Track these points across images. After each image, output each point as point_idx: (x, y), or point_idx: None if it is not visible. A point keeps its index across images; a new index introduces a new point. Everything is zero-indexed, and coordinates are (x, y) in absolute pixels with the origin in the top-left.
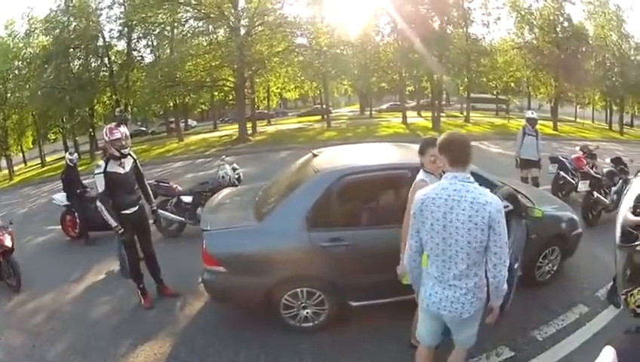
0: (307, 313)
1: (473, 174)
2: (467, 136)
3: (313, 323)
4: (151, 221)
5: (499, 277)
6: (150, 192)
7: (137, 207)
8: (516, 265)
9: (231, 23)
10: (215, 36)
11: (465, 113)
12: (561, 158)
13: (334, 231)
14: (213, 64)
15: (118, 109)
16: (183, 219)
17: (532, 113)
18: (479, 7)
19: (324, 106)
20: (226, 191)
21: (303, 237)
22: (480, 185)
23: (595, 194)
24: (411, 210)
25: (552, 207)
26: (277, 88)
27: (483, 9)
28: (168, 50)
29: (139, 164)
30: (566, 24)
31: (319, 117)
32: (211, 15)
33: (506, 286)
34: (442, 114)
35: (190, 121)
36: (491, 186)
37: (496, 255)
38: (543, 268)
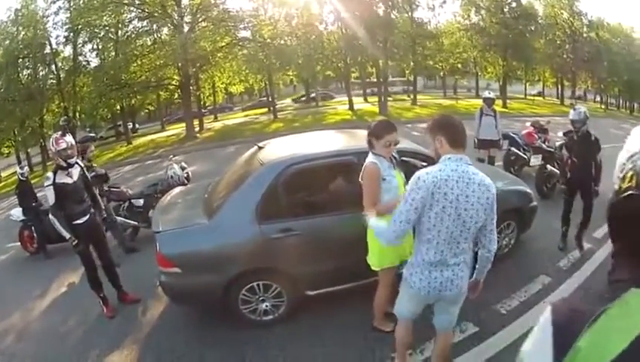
0: (266, 306)
1: (418, 155)
2: (458, 119)
3: (274, 316)
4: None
5: (492, 252)
6: (100, 200)
7: (88, 216)
8: None
9: (174, 20)
10: (159, 35)
11: (412, 96)
12: (511, 135)
13: (284, 221)
14: (157, 63)
15: (62, 118)
16: (137, 223)
17: (489, 93)
18: None
19: (269, 98)
20: (175, 190)
21: (254, 231)
22: (429, 164)
23: (549, 167)
24: (415, 190)
25: (504, 182)
26: (222, 83)
27: None
28: (113, 53)
29: (86, 172)
30: (514, 4)
31: (265, 109)
32: (155, 14)
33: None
34: (389, 98)
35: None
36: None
37: (492, 231)
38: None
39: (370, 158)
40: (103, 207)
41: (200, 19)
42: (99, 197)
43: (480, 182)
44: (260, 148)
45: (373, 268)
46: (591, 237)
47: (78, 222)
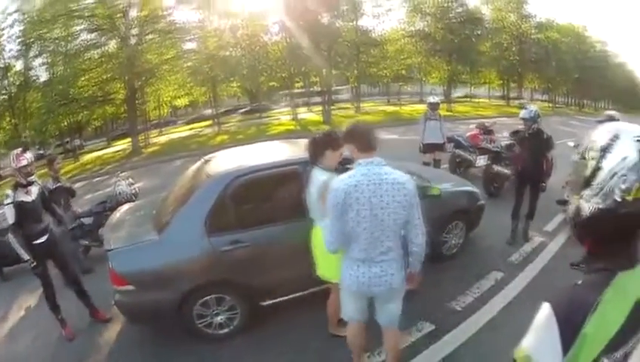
0: (221, 319)
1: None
2: (369, 124)
3: (229, 329)
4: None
5: (421, 245)
6: (62, 215)
7: (47, 235)
8: None
9: (122, 33)
10: (106, 48)
11: (355, 104)
12: (456, 137)
13: (234, 233)
14: (104, 77)
15: (24, 134)
16: (87, 242)
17: (434, 98)
18: (370, 0)
19: (214, 111)
20: (124, 207)
21: (204, 244)
22: None
23: (496, 167)
24: (330, 200)
25: (450, 184)
26: (167, 97)
27: (374, 1)
28: (62, 67)
29: (45, 190)
30: (460, 10)
31: (210, 121)
32: (104, 26)
33: (423, 256)
34: (333, 107)
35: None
36: None
37: (417, 226)
38: (449, 243)
39: (322, 176)
40: (66, 221)
41: (147, 32)
42: (61, 211)
43: (393, 181)
44: (207, 161)
45: (323, 277)
46: (542, 231)
47: (38, 241)
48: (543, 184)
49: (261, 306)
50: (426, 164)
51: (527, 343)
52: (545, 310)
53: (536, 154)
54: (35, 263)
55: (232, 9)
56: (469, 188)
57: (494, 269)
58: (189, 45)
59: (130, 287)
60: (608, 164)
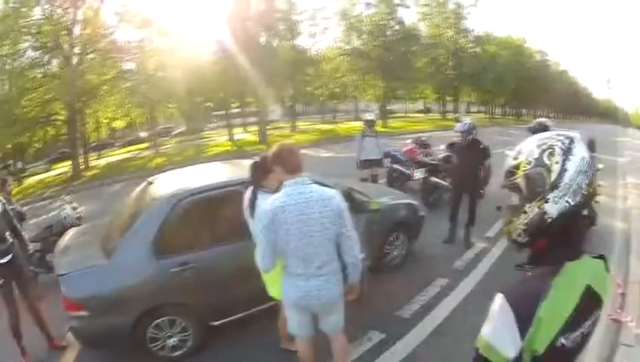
0: (174, 342)
1: None
2: (294, 145)
3: (182, 351)
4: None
5: (356, 256)
6: (24, 236)
7: (11, 256)
8: (362, 256)
9: (65, 51)
10: (49, 67)
11: (291, 123)
12: (392, 152)
13: (181, 255)
14: (46, 97)
15: None
16: (34, 268)
17: (370, 115)
18: (307, 19)
19: (150, 132)
20: (71, 232)
21: (152, 267)
22: None
23: (433, 179)
24: (261, 221)
25: (389, 197)
26: (106, 118)
27: (311, 21)
28: (7, 86)
29: (7, 208)
30: (397, 27)
31: (146, 144)
32: (48, 44)
33: (361, 265)
34: (268, 126)
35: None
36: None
37: (350, 238)
38: (392, 254)
39: (263, 198)
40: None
41: (89, 51)
42: (22, 232)
43: (318, 198)
44: (150, 183)
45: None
46: (484, 237)
47: (1, 262)
48: (481, 191)
49: (213, 326)
50: (363, 180)
51: (487, 332)
52: (499, 300)
53: (473, 164)
54: (1, 281)
55: (170, 28)
56: (408, 200)
57: (439, 276)
58: (129, 65)
59: (84, 313)
60: (573, 165)
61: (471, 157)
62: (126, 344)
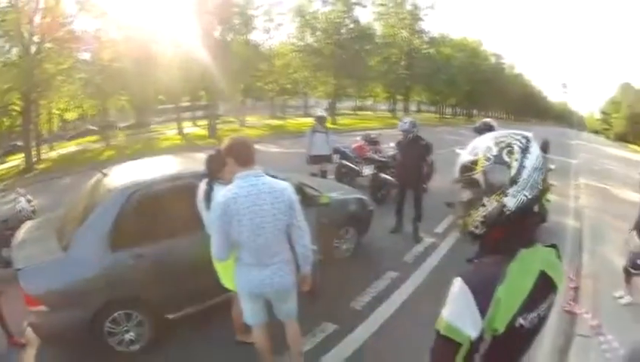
0: (131, 336)
1: None
2: (248, 137)
3: (140, 345)
4: None
5: (306, 245)
6: None
7: None
8: (314, 247)
9: (25, 40)
10: (9, 56)
11: (241, 118)
12: (342, 149)
13: (137, 247)
14: (5, 87)
15: None
16: None
17: (322, 112)
18: (262, 15)
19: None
20: (27, 225)
21: (108, 260)
22: None
23: (382, 175)
24: (215, 211)
25: (338, 193)
26: (58, 110)
27: (266, 16)
28: None
29: None
30: (352, 26)
31: (97, 137)
32: (11, 32)
33: (312, 255)
34: (217, 121)
35: None
36: None
37: (300, 228)
38: (342, 247)
39: (219, 190)
40: None
41: (48, 40)
42: None
43: (270, 190)
44: (105, 175)
45: (228, 288)
46: (433, 233)
47: None
48: (424, 186)
49: (169, 320)
50: (313, 175)
51: (447, 314)
52: (457, 283)
53: (416, 160)
54: None
55: (127, 19)
56: (357, 195)
57: (389, 270)
58: (84, 55)
59: (43, 308)
60: (530, 162)
61: (413, 154)
62: (83, 338)
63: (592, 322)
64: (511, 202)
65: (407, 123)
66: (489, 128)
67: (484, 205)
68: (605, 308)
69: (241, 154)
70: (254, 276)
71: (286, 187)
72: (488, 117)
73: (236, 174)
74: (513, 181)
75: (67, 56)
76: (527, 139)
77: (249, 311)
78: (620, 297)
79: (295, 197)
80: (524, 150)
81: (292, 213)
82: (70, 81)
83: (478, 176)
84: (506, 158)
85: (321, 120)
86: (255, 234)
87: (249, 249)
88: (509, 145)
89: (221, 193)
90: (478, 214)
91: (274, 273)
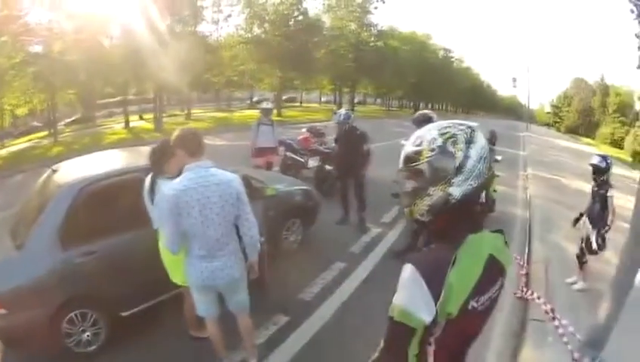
0: (87, 336)
1: None
2: (196, 129)
3: (97, 345)
4: None
5: (254, 236)
6: None
7: None
8: (262, 239)
9: None
10: None
11: (186, 111)
12: (287, 141)
13: (88, 244)
14: None
15: None
16: None
17: (267, 104)
18: (211, 5)
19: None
20: None
21: (59, 258)
22: None
23: (327, 167)
24: (165, 204)
25: (283, 184)
26: (9, 105)
27: (215, 7)
28: None
29: None
30: (300, 17)
31: (44, 133)
32: None
33: (259, 245)
34: (163, 114)
35: None
36: None
37: (248, 220)
38: (289, 239)
39: (164, 184)
40: None
41: (2, 33)
42: None
43: (219, 182)
44: (55, 171)
45: (178, 283)
46: (380, 223)
47: None
48: (362, 173)
49: (123, 317)
50: (258, 167)
51: (400, 299)
52: (408, 269)
53: (353, 149)
54: None
55: (77, 10)
56: (303, 187)
57: (337, 260)
58: (36, 48)
59: (2, 310)
60: (475, 152)
61: (350, 144)
62: (44, 341)
63: (546, 307)
64: (456, 191)
65: (342, 115)
66: (428, 120)
67: (429, 194)
68: (558, 294)
69: (191, 145)
70: (205, 268)
71: (233, 178)
72: (436, 110)
73: (185, 165)
74: (458, 171)
75: (19, 50)
76: (472, 130)
77: (202, 304)
78: (574, 283)
79: (242, 189)
80: (469, 140)
81: (240, 205)
82: (22, 75)
83: (422, 166)
84: (451, 148)
85: (266, 112)
86: (205, 225)
87: (199, 241)
88: (453, 135)
89: (169, 185)
90: (424, 203)
91: (224, 264)
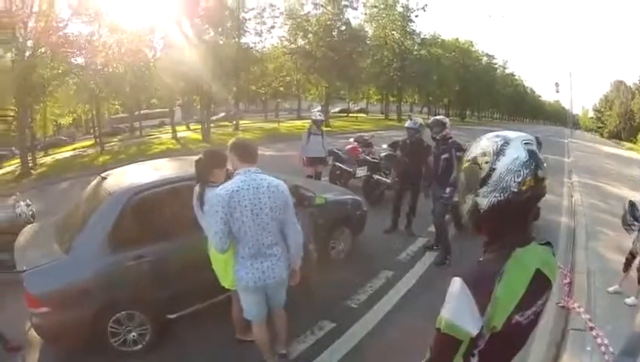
0: (133, 336)
1: None
2: (250, 139)
3: (142, 345)
4: None
5: (299, 241)
6: None
7: None
8: (311, 246)
9: (19, 45)
10: (3, 61)
11: (235, 122)
12: (335, 151)
13: (137, 249)
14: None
15: None
16: None
17: (319, 115)
18: (254, 17)
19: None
20: (27, 229)
21: (109, 261)
22: None
23: (375, 176)
24: (214, 205)
25: (332, 194)
26: (53, 115)
27: (258, 18)
28: None
29: None
30: (344, 28)
31: (92, 142)
32: (3, 37)
33: (302, 252)
34: (211, 125)
35: None
36: None
37: (294, 224)
38: (337, 248)
39: (211, 192)
40: None
41: (42, 44)
42: None
43: (269, 185)
44: (104, 178)
45: (227, 287)
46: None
47: None
48: (425, 185)
49: (170, 320)
50: (309, 177)
51: (447, 312)
52: (456, 283)
53: (416, 159)
54: None
55: (120, 23)
56: (351, 196)
57: (384, 269)
58: (78, 60)
59: (46, 309)
60: (502, 164)
61: (415, 153)
62: (86, 339)
63: (586, 316)
64: (482, 202)
65: (417, 123)
66: (441, 125)
67: (465, 202)
68: (599, 304)
69: (245, 151)
70: (256, 269)
71: (282, 184)
72: (482, 117)
73: (237, 170)
74: (483, 182)
75: (61, 61)
76: (506, 142)
77: (252, 305)
78: (618, 293)
79: (290, 195)
80: (498, 153)
81: (287, 209)
82: (65, 86)
83: (460, 175)
84: (479, 160)
85: (317, 122)
86: (255, 226)
87: (249, 241)
88: (486, 147)
89: (220, 187)
90: (462, 209)
91: (273, 264)
